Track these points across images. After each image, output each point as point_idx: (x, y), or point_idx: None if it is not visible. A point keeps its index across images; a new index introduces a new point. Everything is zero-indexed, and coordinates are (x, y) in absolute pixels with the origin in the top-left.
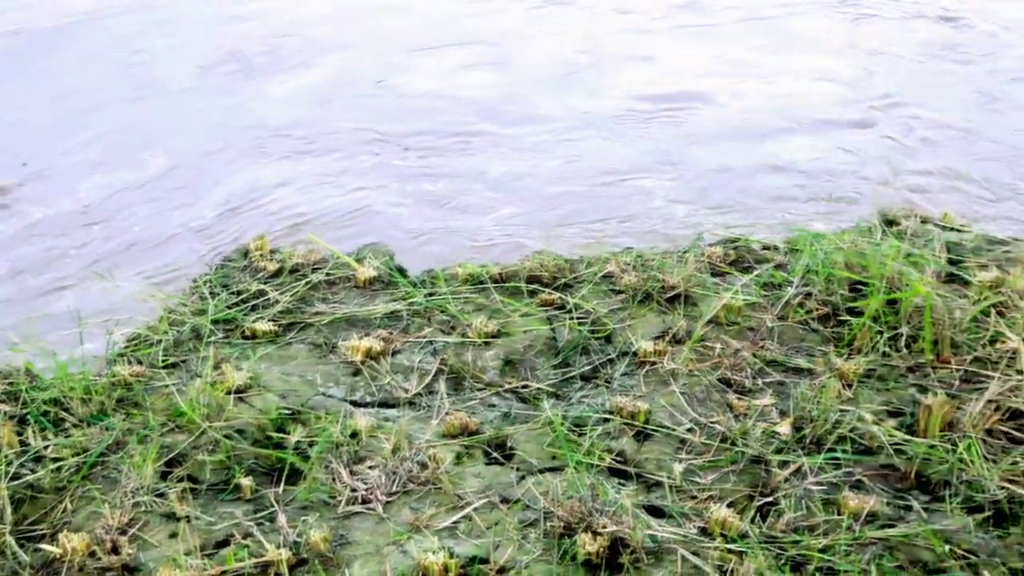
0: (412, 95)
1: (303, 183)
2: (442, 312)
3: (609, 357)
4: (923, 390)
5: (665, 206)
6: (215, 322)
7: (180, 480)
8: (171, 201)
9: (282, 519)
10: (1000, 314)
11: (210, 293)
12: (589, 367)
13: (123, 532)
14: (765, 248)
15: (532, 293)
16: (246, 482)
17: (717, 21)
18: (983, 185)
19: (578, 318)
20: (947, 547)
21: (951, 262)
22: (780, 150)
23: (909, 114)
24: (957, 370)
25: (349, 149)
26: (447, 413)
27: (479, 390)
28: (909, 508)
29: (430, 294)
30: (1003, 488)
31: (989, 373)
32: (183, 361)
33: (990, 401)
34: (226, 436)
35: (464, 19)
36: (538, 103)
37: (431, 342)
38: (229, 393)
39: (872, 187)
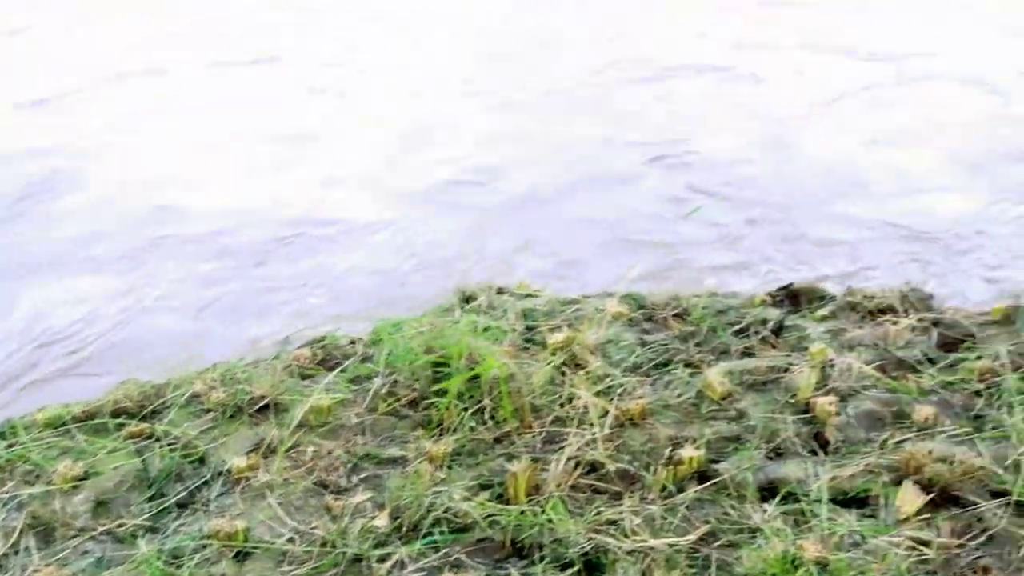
0: (209, 199)
1: (86, 305)
2: (24, 462)
3: (204, 479)
4: (510, 458)
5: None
6: None
7: None
8: None
9: None
10: (575, 371)
11: None
12: (185, 493)
13: None
14: (352, 342)
15: (119, 427)
16: None
17: (509, 90)
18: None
19: (168, 445)
20: None
21: (528, 328)
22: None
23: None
24: (540, 433)
25: (139, 263)
26: (35, 570)
27: (72, 538)
28: None
29: (10, 445)
30: (590, 539)
31: (568, 430)
32: None
33: (571, 458)
34: None
35: (251, 113)
36: (353, 195)
37: (14, 497)
38: None
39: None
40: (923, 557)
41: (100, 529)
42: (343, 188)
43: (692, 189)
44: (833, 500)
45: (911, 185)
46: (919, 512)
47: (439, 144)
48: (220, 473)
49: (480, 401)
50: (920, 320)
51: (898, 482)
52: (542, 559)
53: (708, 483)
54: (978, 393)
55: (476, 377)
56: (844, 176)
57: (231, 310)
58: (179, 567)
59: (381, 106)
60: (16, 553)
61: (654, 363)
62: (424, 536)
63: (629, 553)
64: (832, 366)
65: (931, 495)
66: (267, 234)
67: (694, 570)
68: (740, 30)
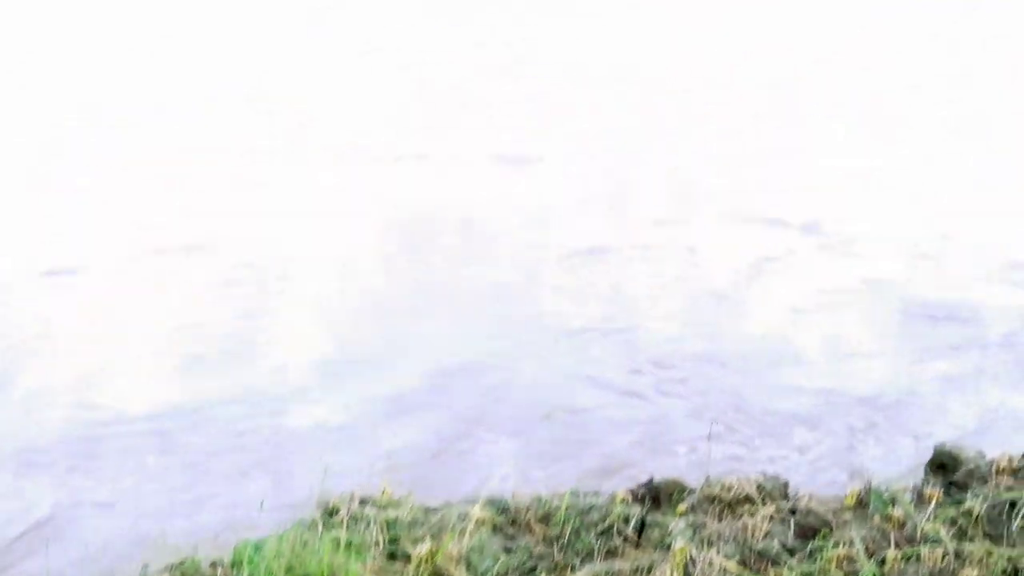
0: (147, 396)
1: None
2: None
3: None
4: None
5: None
6: None
7: None
8: None
9: None
10: None
11: None
12: None
13: None
14: (212, 565)
15: None
16: None
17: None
18: None
19: None
20: None
21: (392, 540)
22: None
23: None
24: None
25: (75, 462)
26: None
27: None
28: None
29: None
30: None
31: None
32: None
33: None
34: None
35: (176, 307)
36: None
37: None
38: None
39: None
40: None
41: None
42: (290, 378)
43: (620, 368)
44: None
45: (839, 350)
46: None
47: (378, 327)
48: None
49: None
50: (777, 510)
51: None
52: None
53: None
54: None
55: None
56: (774, 346)
57: (166, 507)
58: None
59: (317, 292)
60: None
61: (519, 571)
62: None
63: None
64: (694, 563)
65: None
66: (209, 428)
67: None
68: (657, 206)
